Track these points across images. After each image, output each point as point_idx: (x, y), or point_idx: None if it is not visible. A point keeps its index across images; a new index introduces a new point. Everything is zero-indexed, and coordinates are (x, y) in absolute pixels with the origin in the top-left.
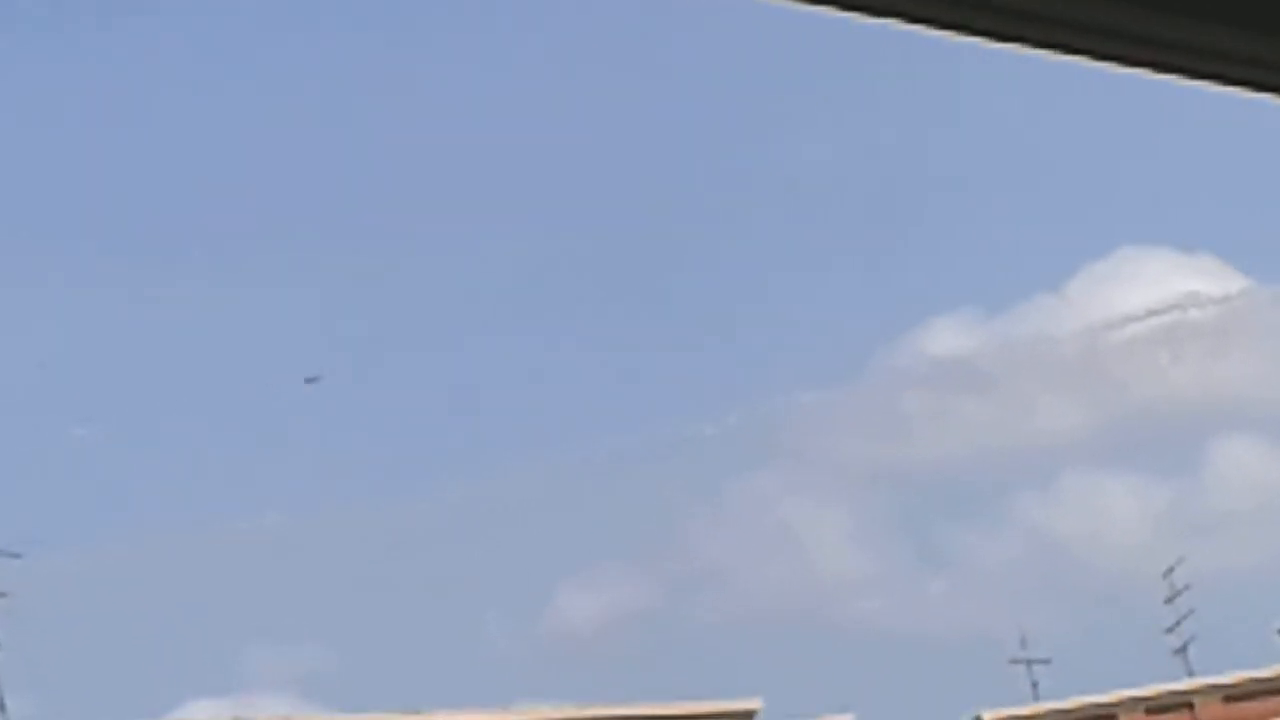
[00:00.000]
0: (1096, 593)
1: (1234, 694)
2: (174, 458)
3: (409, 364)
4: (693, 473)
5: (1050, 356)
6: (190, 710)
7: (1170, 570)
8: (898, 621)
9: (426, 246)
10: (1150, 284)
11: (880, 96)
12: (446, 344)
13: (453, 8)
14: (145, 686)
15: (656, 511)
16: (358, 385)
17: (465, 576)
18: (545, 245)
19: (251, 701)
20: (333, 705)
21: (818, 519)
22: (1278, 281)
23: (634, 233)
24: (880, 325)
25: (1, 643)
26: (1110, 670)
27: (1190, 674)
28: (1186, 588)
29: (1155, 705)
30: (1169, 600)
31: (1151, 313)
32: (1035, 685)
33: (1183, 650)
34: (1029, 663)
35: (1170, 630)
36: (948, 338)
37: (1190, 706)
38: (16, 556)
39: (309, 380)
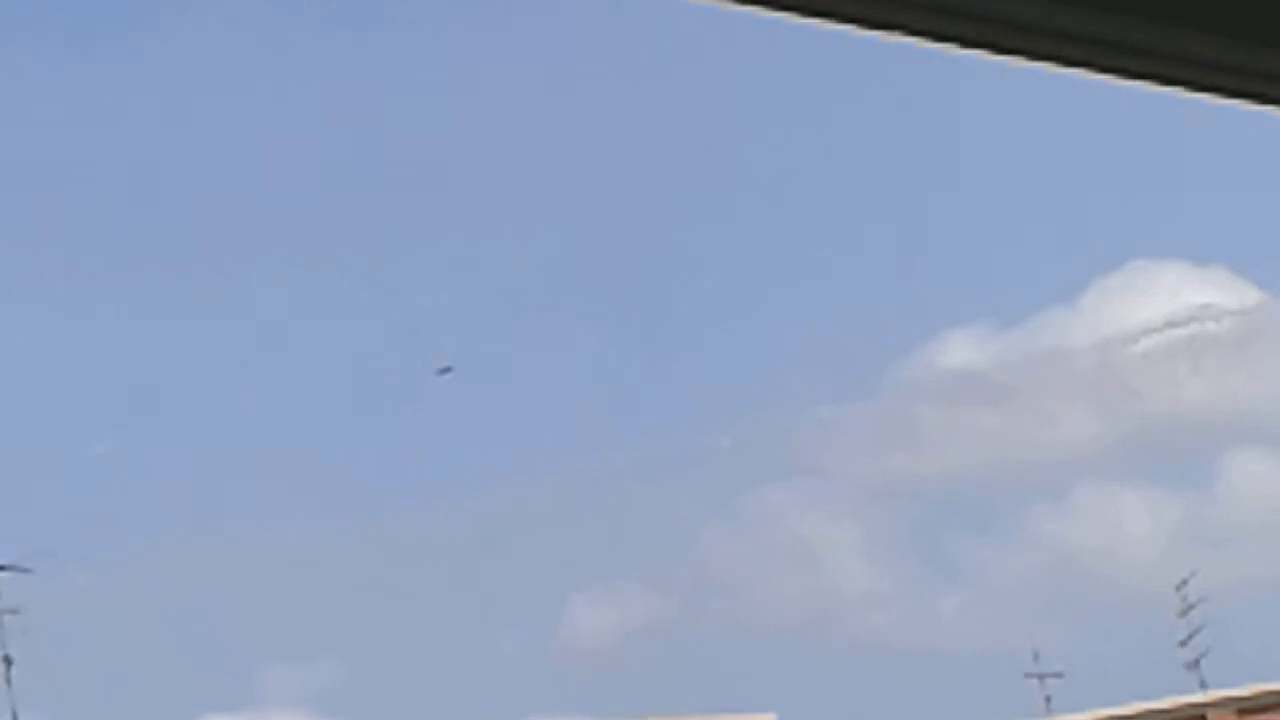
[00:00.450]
0: (1110, 606)
1: (1248, 707)
2: (187, 473)
3: (419, 379)
4: (706, 486)
5: (1064, 369)
6: None
7: (1183, 583)
8: (911, 636)
9: (435, 259)
10: (1163, 297)
11: (893, 108)
12: (457, 358)
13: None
14: (159, 703)
15: (669, 525)
16: (369, 401)
17: (479, 591)
18: (557, 255)
19: (266, 717)
20: None
21: (831, 533)
22: None
23: (647, 243)
24: (894, 338)
25: (14, 659)
26: (1123, 684)
27: (1203, 687)
28: (1201, 600)
29: (1169, 718)
30: (1182, 614)
31: (1166, 325)
32: (1048, 700)
33: (1195, 664)
34: (1041, 677)
35: (1183, 644)
36: (961, 351)
37: (1204, 719)
38: (28, 572)
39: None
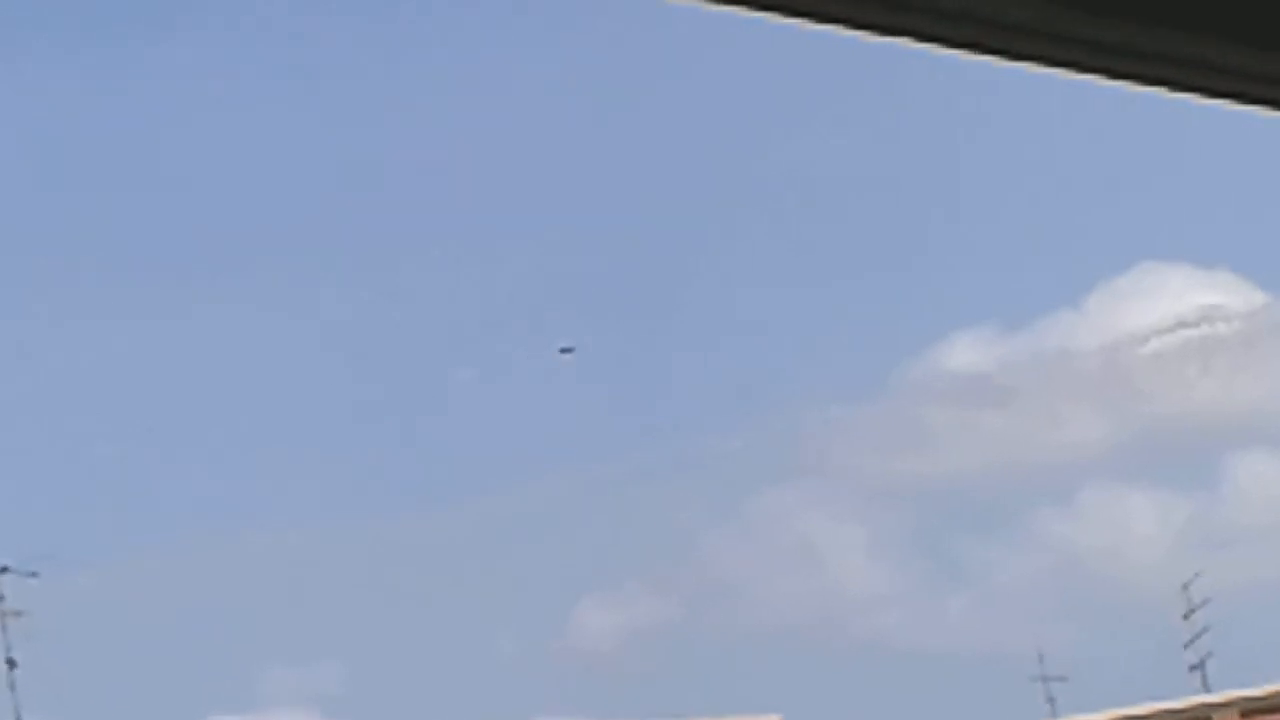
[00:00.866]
0: (1115, 608)
1: (1252, 708)
2: (190, 476)
3: (425, 379)
4: (711, 487)
5: (1070, 371)
6: None
7: (1188, 585)
8: (916, 637)
9: (439, 262)
10: (1169, 299)
11: (902, 110)
12: (462, 359)
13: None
14: (163, 705)
15: (675, 526)
16: (374, 402)
17: (484, 593)
18: (563, 257)
19: (269, 718)
20: None
21: (837, 534)
22: None
23: (654, 246)
24: (901, 340)
25: (19, 661)
26: (1127, 686)
27: (1207, 689)
28: (1206, 602)
29: (1174, 719)
30: (1187, 615)
31: (1172, 327)
32: (1053, 701)
33: (1200, 666)
34: (1046, 680)
35: (1188, 645)
36: (968, 353)
37: None
38: (34, 575)
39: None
